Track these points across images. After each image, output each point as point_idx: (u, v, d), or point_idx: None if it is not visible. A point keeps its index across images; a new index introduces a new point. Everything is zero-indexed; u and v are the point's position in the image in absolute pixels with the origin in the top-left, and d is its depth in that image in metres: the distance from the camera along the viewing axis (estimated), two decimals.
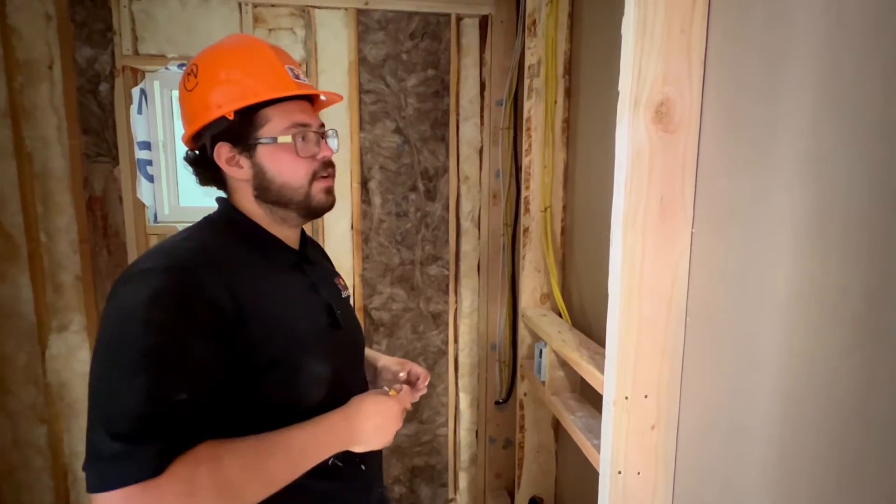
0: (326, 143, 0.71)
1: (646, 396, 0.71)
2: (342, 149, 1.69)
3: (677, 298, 0.71)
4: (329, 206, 0.72)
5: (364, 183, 1.76)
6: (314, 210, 0.71)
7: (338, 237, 1.76)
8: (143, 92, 1.60)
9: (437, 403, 1.89)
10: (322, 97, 0.76)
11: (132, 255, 1.62)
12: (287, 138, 0.66)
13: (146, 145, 1.64)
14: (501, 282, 1.81)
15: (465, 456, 1.94)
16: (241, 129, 0.65)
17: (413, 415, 1.87)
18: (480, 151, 1.82)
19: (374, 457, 0.76)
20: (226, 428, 0.56)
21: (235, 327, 0.58)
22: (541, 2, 1.25)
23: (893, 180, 0.42)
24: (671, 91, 0.67)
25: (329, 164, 0.71)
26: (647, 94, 0.67)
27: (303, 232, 0.79)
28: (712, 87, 0.67)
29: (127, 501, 0.47)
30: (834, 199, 0.47)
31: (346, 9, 1.67)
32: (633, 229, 0.69)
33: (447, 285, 1.87)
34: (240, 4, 1.61)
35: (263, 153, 0.66)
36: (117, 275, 0.69)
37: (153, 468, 0.48)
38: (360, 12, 1.68)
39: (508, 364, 1.75)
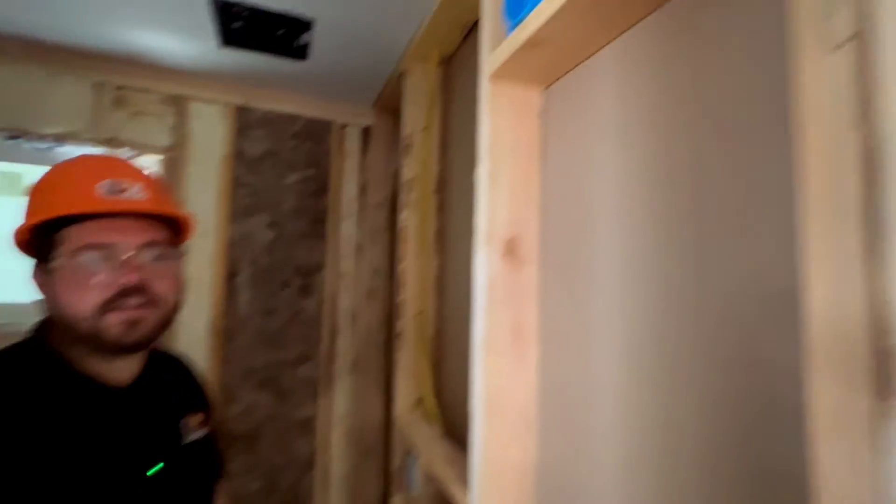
0: (136, 265, 0.59)
1: None
2: (206, 242, 1.57)
3: (532, 415, 0.77)
4: (132, 344, 0.59)
5: (231, 277, 1.64)
6: (109, 347, 0.58)
7: (192, 339, 1.56)
8: None
9: None
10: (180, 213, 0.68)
11: None
12: (74, 261, 0.56)
13: None
14: (377, 383, 1.75)
15: None
16: (44, 249, 0.58)
17: None
18: (358, 249, 1.84)
19: None
20: None
21: None
22: (416, 127, 1.40)
23: (673, 300, 0.53)
24: (517, 230, 0.78)
25: (132, 292, 0.58)
26: (498, 232, 0.77)
27: (153, 360, 0.69)
28: (548, 229, 0.79)
29: None
30: (636, 321, 0.58)
31: (225, 104, 1.66)
32: (490, 353, 0.75)
33: (318, 388, 1.74)
34: (98, 84, 1.50)
35: (56, 278, 0.57)
36: None
37: None
38: (239, 109, 1.69)
39: (383, 474, 1.64)
